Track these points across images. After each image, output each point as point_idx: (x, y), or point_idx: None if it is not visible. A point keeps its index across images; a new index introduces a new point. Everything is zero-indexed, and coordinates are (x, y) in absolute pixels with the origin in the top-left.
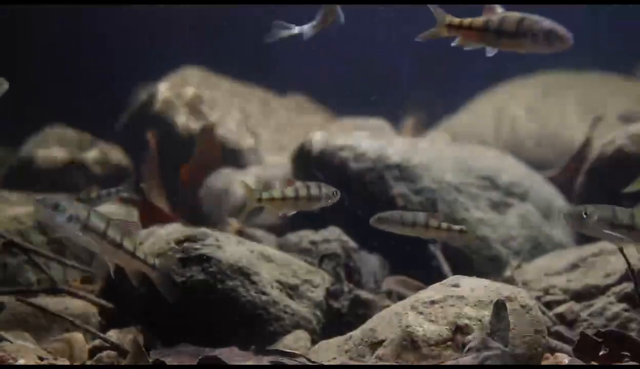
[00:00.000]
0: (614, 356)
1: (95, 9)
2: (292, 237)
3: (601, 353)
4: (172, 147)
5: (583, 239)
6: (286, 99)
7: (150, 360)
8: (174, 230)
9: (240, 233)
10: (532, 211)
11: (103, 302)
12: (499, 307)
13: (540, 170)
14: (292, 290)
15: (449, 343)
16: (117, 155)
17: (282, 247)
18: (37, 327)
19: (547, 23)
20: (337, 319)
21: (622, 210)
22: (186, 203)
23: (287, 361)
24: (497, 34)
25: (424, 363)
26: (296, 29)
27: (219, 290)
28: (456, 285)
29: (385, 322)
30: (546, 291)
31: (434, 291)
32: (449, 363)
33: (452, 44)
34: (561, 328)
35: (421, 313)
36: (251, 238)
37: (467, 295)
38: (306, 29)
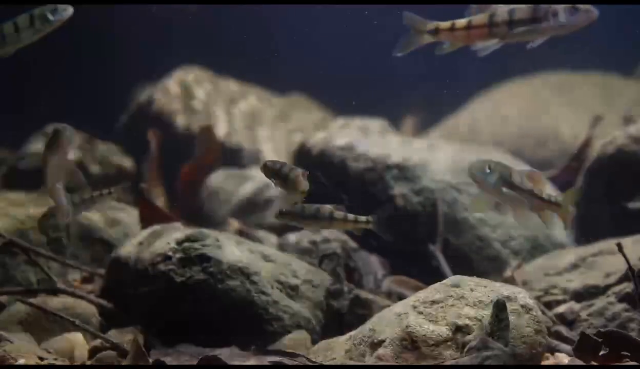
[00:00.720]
0: (614, 356)
1: (95, 9)
2: (292, 237)
3: (601, 353)
4: (172, 147)
5: (583, 239)
6: (286, 99)
7: (150, 360)
8: (174, 230)
9: (240, 233)
10: None
11: (103, 302)
12: (499, 307)
13: (540, 170)
14: (292, 290)
15: (449, 343)
16: (117, 155)
17: (282, 247)
18: (37, 327)
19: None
20: (337, 319)
21: (520, 172)
22: (186, 203)
23: (287, 361)
24: (508, 26)
25: (424, 363)
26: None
27: (219, 290)
28: (456, 285)
29: (385, 322)
30: (546, 291)
31: (434, 291)
32: (449, 363)
33: (438, 52)
34: (561, 328)
35: (421, 313)
36: (251, 238)
37: (467, 295)
38: None
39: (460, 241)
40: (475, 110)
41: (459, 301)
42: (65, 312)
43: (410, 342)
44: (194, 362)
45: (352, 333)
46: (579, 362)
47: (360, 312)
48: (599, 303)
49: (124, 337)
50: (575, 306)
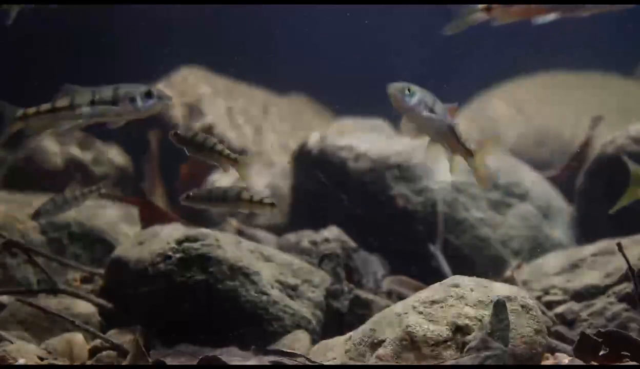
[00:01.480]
0: (614, 356)
1: (95, 9)
2: (292, 237)
3: (601, 353)
4: (172, 147)
5: (583, 239)
6: (286, 99)
7: (150, 360)
8: (174, 230)
9: (240, 233)
10: (532, 211)
11: (103, 302)
12: (499, 307)
13: (540, 170)
14: (292, 290)
15: (449, 343)
16: (116, 155)
17: (282, 247)
18: (37, 327)
19: None
20: (337, 319)
21: (443, 106)
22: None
23: (287, 361)
24: None
25: (424, 363)
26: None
27: (219, 290)
28: (456, 285)
29: (385, 322)
30: (546, 291)
31: (434, 291)
32: (449, 363)
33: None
34: (561, 328)
35: (421, 313)
36: (251, 238)
37: (467, 295)
38: None
39: (460, 241)
40: (475, 110)
41: (459, 301)
42: (65, 312)
43: (410, 342)
44: (194, 362)
45: (352, 333)
46: (579, 362)
47: (360, 312)
48: (599, 303)
49: (124, 337)
50: (575, 306)
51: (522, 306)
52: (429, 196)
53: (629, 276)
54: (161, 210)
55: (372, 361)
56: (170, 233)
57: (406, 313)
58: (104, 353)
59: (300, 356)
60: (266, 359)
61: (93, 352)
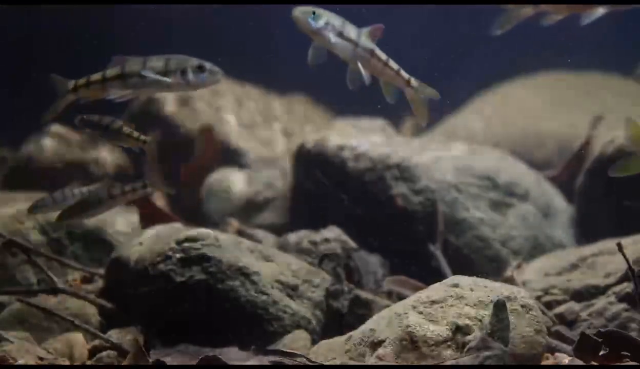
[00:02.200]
0: (614, 356)
1: (95, 9)
2: (292, 237)
3: (601, 353)
4: (172, 147)
5: (583, 239)
6: (286, 99)
7: (150, 360)
8: (174, 230)
9: (240, 233)
10: (532, 211)
11: (103, 302)
12: (499, 307)
13: (540, 170)
14: (292, 290)
15: (449, 343)
16: (117, 155)
17: (282, 247)
18: (37, 327)
19: None
20: (337, 319)
21: (358, 29)
22: (186, 203)
23: (287, 361)
24: None
25: (424, 363)
26: None
27: (219, 290)
28: (456, 285)
29: (385, 322)
30: (546, 291)
31: (434, 291)
32: (449, 363)
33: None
34: (561, 328)
35: (421, 313)
36: (251, 238)
37: (467, 295)
38: None
39: (460, 241)
40: (476, 110)
41: (459, 301)
42: (65, 312)
43: (410, 342)
44: (194, 362)
45: (352, 333)
46: (579, 362)
47: (360, 312)
48: (599, 303)
49: (124, 337)
50: (575, 306)
51: (522, 306)
52: (429, 196)
53: (629, 276)
54: (161, 210)
55: (372, 361)
56: (170, 233)
57: (406, 313)
58: (104, 353)
59: (300, 356)
60: (266, 359)
61: (93, 352)
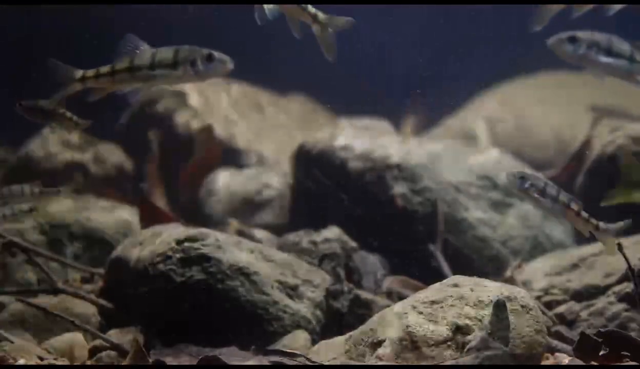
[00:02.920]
0: (614, 356)
1: (95, 8)
2: (292, 237)
3: (601, 353)
4: (172, 147)
5: (583, 239)
6: (286, 99)
7: (150, 360)
8: (173, 230)
9: (240, 233)
10: (532, 211)
11: (103, 302)
12: (499, 307)
13: (540, 170)
14: (292, 290)
15: (449, 343)
16: (117, 155)
17: (282, 247)
18: (37, 327)
19: None
20: (337, 319)
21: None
22: (186, 203)
23: (287, 361)
24: None
25: (424, 363)
26: None
27: (219, 290)
28: (456, 285)
29: (385, 322)
30: (546, 291)
31: (434, 291)
32: (449, 363)
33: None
34: (561, 328)
35: (421, 313)
36: (251, 238)
37: (467, 295)
38: None
39: (460, 241)
40: (476, 110)
41: (459, 301)
42: (65, 312)
43: (410, 342)
44: (194, 362)
45: (352, 333)
46: (579, 362)
47: (360, 312)
48: (599, 303)
49: (124, 337)
50: (575, 306)
51: (522, 306)
52: (428, 196)
53: (629, 276)
54: (161, 210)
55: (372, 361)
56: (170, 233)
57: (406, 313)
58: (104, 353)
59: (300, 356)
60: (266, 359)
61: (93, 352)
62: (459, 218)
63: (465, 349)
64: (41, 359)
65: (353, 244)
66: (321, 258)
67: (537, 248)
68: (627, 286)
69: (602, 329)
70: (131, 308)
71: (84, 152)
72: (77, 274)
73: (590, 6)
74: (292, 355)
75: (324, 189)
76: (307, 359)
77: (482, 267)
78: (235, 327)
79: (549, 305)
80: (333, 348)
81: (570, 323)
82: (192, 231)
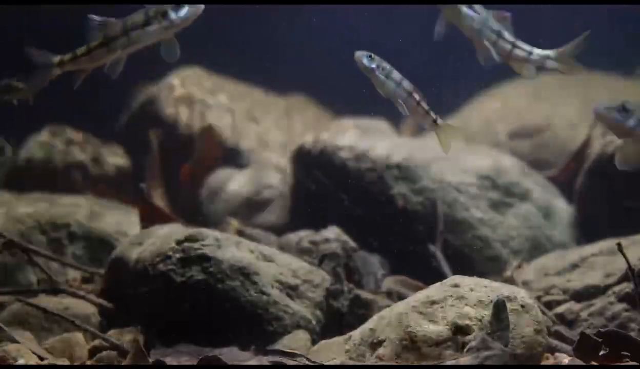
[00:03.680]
0: (614, 356)
1: (95, 9)
2: (292, 237)
3: (601, 353)
4: (172, 147)
5: (583, 239)
6: (286, 99)
7: (150, 360)
8: (174, 230)
9: (240, 233)
10: (532, 211)
11: (103, 302)
12: (499, 307)
13: (540, 170)
14: (292, 290)
15: (449, 343)
16: (117, 155)
17: (282, 247)
18: (37, 327)
19: None
20: (337, 319)
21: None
22: (186, 203)
23: (287, 361)
24: None
25: (424, 363)
26: None
27: (219, 290)
28: (456, 285)
29: (385, 322)
30: (546, 291)
31: (434, 291)
32: (449, 363)
33: None
34: (561, 328)
35: (421, 313)
36: (251, 238)
37: (467, 295)
38: None
39: (460, 242)
40: (476, 110)
41: (459, 301)
42: (65, 312)
43: (410, 342)
44: (194, 362)
45: (352, 333)
46: (579, 362)
47: (360, 312)
48: (599, 303)
49: (124, 337)
50: (575, 306)
51: (522, 306)
52: (429, 196)
53: (629, 276)
54: (161, 210)
55: (372, 361)
56: (170, 233)
57: (406, 313)
58: (104, 353)
59: (300, 356)
60: (266, 359)
61: (93, 352)
62: (459, 218)
63: (465, 349)
64: (41, 359)
65: (353, 244)
66: (321, 258)
67: (537, 248)
68: (627, 286)
69: (602, 329)
70: (131, 308)
71: (84, 152)
72: (77, 274)
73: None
74: (292, 355)
75: (324, 189)
76: (307, 359)
77: (482, 267)
78: (235, 327)
79: (549, 305)
80: (333, 348)
81: (570, 323)
82: (192, 231)
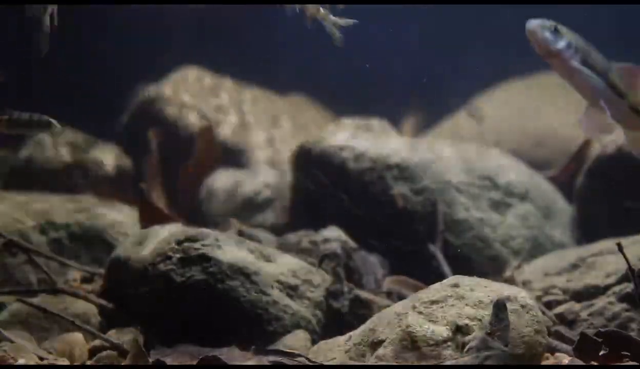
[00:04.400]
0: (614, 356)
1: (95, 8)
2: (292, 237)
3: (601, 353)
4: (172, 147)
5: (583, 239)
6: (286, 99)
7: (150, 360)
8: (174, 230)
9: (240, 233)
10: (532, 211)
11: (103, 302)
12: (499, 307)
13: (540, 170)
14: (292, 290)
15: (449, 343)
16: (117, 155)
17: (282, 247)
18: (37, 327)
19: None
20: (337, 319)
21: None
22: (186, 203)
23: (287, 361)
24: None
25: (424, 363)
26: None
27: (219, 290)
28: (456, 285)
29: (385, 322)
30: (546, 291)
31: (434, 291)
32: (449, 363)
33: None
34: (561, 328)
35: (421, 313)
36: (251, 238)
37: (467, 295)
38: None
39: (460, 242)
40: (475, 110)
41: (459, 301)
42: (65, 312)
43: (410, 342)
44: (194, 362)
45: (352, 333)
46: (579, 362)
47: (360, 312)
48: (599, 303)
49: (124, 337)
50: (575, 306)
51: (522, 306)
52: (429, 196)
53: (629, 276)
54: (161, 210)
55: (372, 361)
56: (170, 233)
57: (406, 313)
58: (104, 353)
59: (300, 356)
60: (266, 359)
61: (93, 352)
62: (459, 218)
63: (465, 349)
64: (41, 359)
65: (353, 244)
66: (321, 258)
67: (537, 248)
68: (627, 286)
69: (602, 329)
70: (131, 308)
71: (84, 152)
72: (77, 274)
73: None
74: (292, 355)
75: (324, 189)
76: (307, 359)
77: (482, 267)
78: (235, 327)
79: (549, 305)
80: (333, 348)
81: (570, 323)
82: (192, 231)
